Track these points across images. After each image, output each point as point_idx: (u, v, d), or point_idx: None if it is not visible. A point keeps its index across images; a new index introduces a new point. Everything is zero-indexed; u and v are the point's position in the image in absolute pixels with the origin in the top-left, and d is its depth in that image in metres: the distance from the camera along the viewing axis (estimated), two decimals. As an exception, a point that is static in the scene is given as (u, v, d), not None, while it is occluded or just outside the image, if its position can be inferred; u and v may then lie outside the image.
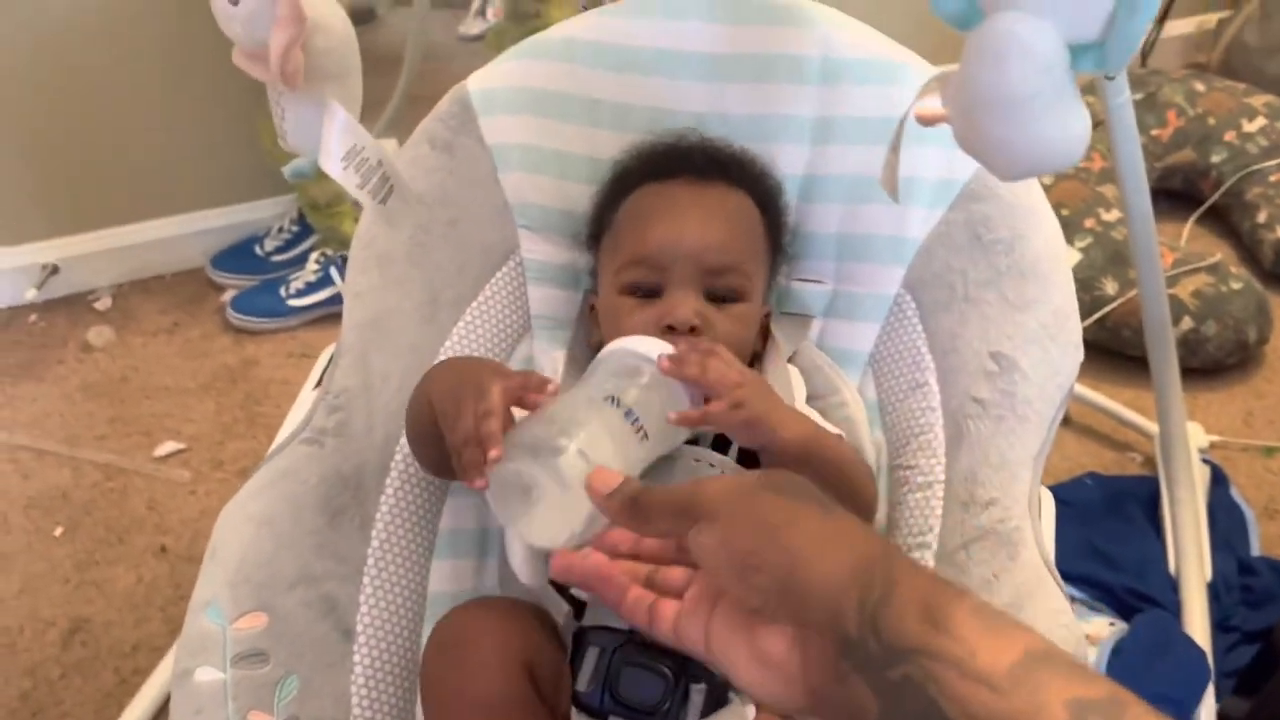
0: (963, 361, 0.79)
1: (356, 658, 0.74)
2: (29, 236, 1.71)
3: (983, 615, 0.40)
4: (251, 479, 0.76)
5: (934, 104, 0.59)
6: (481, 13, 2.58)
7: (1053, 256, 0.80)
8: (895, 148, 0.61)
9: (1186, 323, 1.52)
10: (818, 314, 0.89)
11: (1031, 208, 0.81)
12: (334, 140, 0.60)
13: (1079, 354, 0.78)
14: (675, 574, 0.51)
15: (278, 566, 0.73)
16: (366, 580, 0.77)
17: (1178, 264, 1.57)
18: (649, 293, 0.78)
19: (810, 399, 0.83)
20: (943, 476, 0.77)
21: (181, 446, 1.49)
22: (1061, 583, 0.70)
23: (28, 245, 1.71)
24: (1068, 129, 0.53)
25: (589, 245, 0.87)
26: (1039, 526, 0.72)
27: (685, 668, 0.68)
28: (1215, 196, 1.80)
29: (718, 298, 0.78)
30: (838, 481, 0.71)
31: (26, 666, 1.22)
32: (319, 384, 0.82)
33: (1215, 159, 1.80)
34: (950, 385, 0.80)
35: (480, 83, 0.88)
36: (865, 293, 0.86)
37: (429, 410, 0.71)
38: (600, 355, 0.72)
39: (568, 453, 0.58)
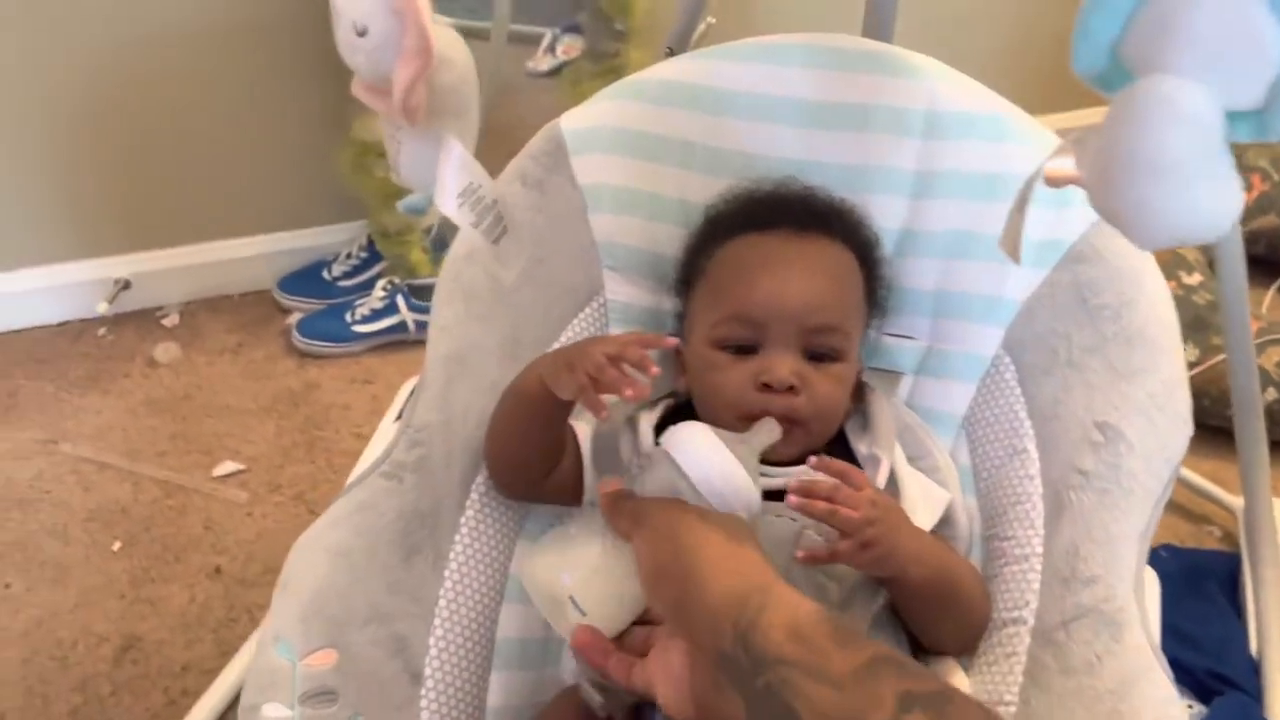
0: (1065, 430, 0.76)
1: (424, 702, 0.72)
2: (104, 250, 1.73)
3: (841, 632, 0.47)
4: (328, 511, 0.74)
5: (1065, 165, 0.57)
6: (552, 50, 2.60)
7: (1161, 323, 0.77)
8: (1021, 207, 0.59)
9: (1270, 394, 1.47)
10: (908, 371, 0.86)
11: (1140, 271, 0.78)
12: (450, 177, 0.59)
13: (1188, 428, 0.75)
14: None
15: (351, 602, 0.71)
16: (437, 621, 0.75)
17: (1262, 333, 1.52)
18: (745, 348, 0.76)
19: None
20: (1041, 549, 0.74)
21: (240, 467, 1.49)
22: (1168, 668, 0.66)
23: (102, 259, 1.73)
24: (1218, 199, 0.50)
25: (678, 290, 0.86)
26: (1145, 608, 0.69)
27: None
28: (1300, 264, 1.75)
29: (816, 356, 0.76)
30: (954, 608, 0.72)
31: (78, 681, 1.22)
32: (399, 416, 0.81)
33: (1301, 226, 1.75)
34: (1051, 454, 0.76)
35: (573, 122, 0.87)
36: (960, 352, 0.84)
37: (527, 395, 0.73)
38: (653, 454, 0.69)
39: (566, 605, 0.64)
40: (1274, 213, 1.78)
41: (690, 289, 0.83)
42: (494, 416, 0.78)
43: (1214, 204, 0.50)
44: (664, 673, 0.52)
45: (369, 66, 0.59)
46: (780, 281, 0.76)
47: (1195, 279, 1.60)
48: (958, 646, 0.73)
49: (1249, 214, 1.78)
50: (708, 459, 0.65)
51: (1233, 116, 0.48)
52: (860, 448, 0.79)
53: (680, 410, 0.81)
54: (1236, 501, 1.35)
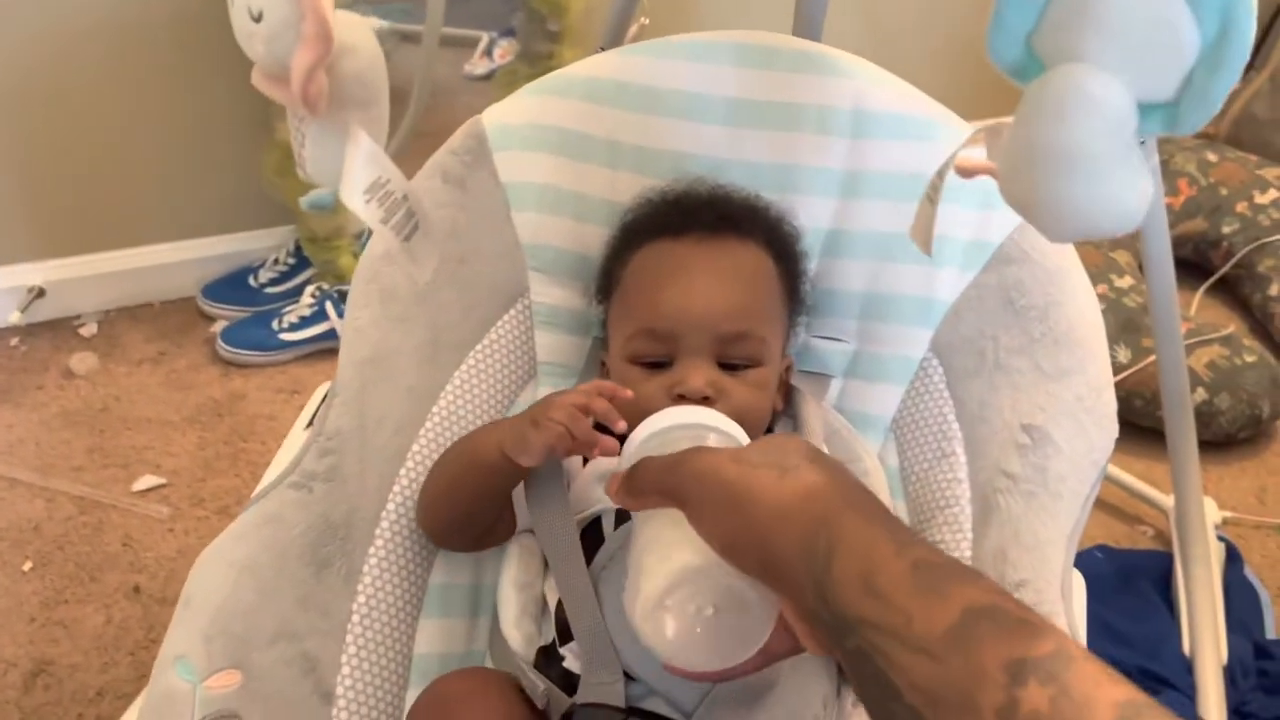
0: (993, 432, 0.75)
1: (335, 723, 0.69)
2: (16, 257, 1.66)
3: (922, 574, 0.39)
4: (233, 524, 0.71)
5: (977, 155, 0.56)
6: (488, 53, 2.57)
7: (1088, 324, 0.76)
8: (932, 199, 0.58)
9: (1200, 394, 1.49)
10: (837, 374, 0.85)
11: (1066, 272, 0.78)
12: (357, 171, 0.55)
13: (1114, 429, 0.74)
14: None
15: (257, 619, 0.68)
16: (350, 638, 0.72)
17: (1191, 334, 1.54)
18: (659, 362, 0.75)
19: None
20: (969, 553, 0.73)
21: (161, 481, 1.43)
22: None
23: (14, 266, 1.66)
24: (1128, 192, 0.49)
25: (598, 299, 0.84)
26: (1072, 611, 0.68)
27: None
28: (1226, 267, 1.78)
29: (731, 365, 0.74)
30: None
31: (-18, 709, 1.16)
32: (310, 424, 0.77)
33: (1227, 229, 1.78)
34: (979, 457, 0.75)
35: (496, 117, 0.85)
36: (889, 354, 0.83)
37: (482, 463, 0.70)
38: (655, 429, 0.62)
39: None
40: (1200, 217, 1.81)
41: (608, 299, 0.81)
42: (435, 483, 0.75)
43: (1125, 196, 0.49)
44: (787, 630, 0.47)
45: (266, 53, 0.56)
46: (687, 291, 0.74)
47: (1126, 282, 1.62)
48: None
49: (1176, 218, 1.81)
50: (699, 411, 0.62)
51: (1144, 109, 0.47)
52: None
53: None
54: (1168, 501, 1.37)
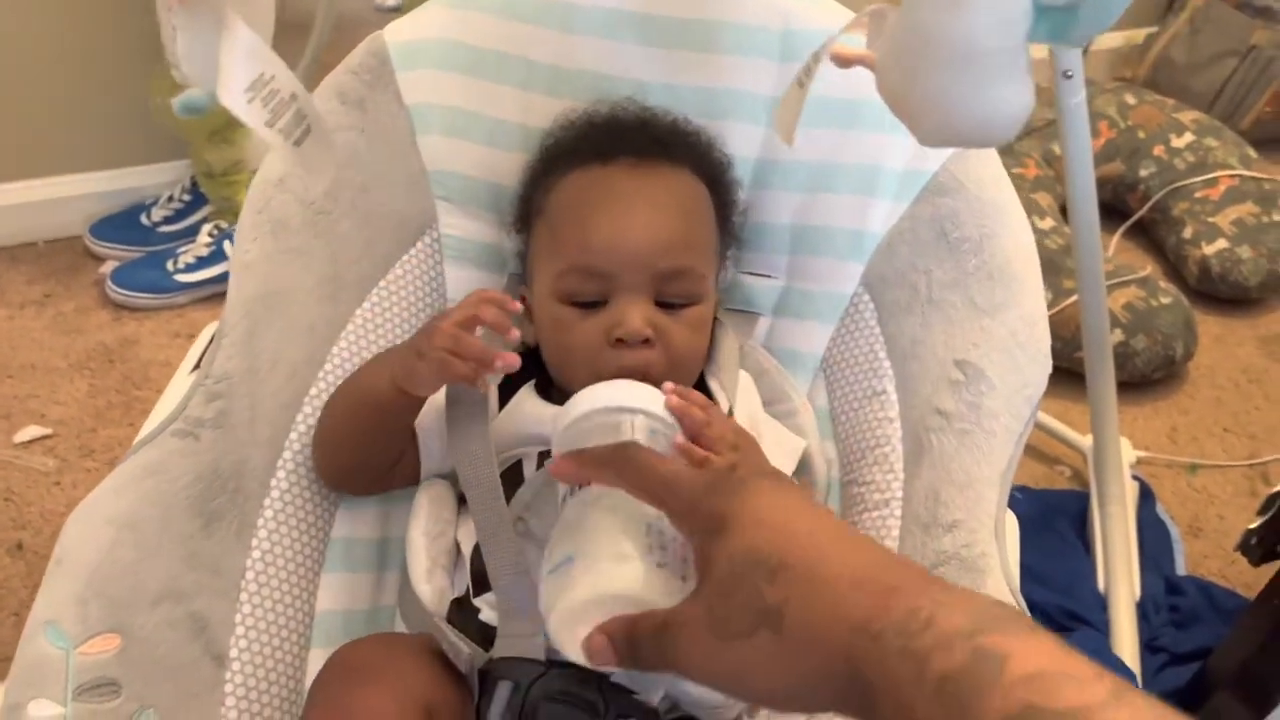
0: (925, 369, 0.72)
1: (229, 687, 0.64)
2: (-120, 191, 1.53)
3: (949, 694, 0.35)
4: (111, 475, 0.65)
5: (856, 43, 0.52)
6: (400, -16, 2.46)
7: (1023, 258, 0.74)
8: (802, 82, 0.54)
9: (1117, 335, 1.50)
10: (765, 312, 0.81)
11: (1002, 204, 0.75)
12: (236, 67, 0.48)
13: (1048, 364, 0.72)
14: None
15: (139, 579, 0.62)
16: (244, 596, 0.66)
17: (1109, 276, 1.55)
18: (593, 301, 0.70)
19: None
20: (901, 494, 0.70)
21: (47, 432, 1.34)
22: (1027, 612, 0.64)
23: (-122, 200, 1.53)
24: (1011, 101, 0.47)
25: (517, 229, 0.78)
26: (1005, 552, 0.66)
27: (611, 700, 0.60)
28: (1143, 210, 1.79)
29: (669, 303, 0.70)
30: None
31: None
32: (197, 366, 0.71)
33: (1144, 173, 1.79)
34: (911, 394, 0.73)
35: (400, 34, 0.78)
36: (819, 290, 0.79)
37: (374, 399, 0.67)
38: (575, 416, 0.59)
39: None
40: (1119, 160, 1.82)
41: (530, 229, 0.76)
42: (329, 424, 0.70)
43: (1009, 102, 0.46)
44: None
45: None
46: (621, 223, 0.69)
47: (1048, 224, 1.62)
48: None
49: (1096, 160, 1.81)
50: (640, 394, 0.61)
51: (1039, 12, 0.44)
52: (714, 385, 0.74)
53: (531, 355, 0.74)
54: (1085, 441, 1.37)
